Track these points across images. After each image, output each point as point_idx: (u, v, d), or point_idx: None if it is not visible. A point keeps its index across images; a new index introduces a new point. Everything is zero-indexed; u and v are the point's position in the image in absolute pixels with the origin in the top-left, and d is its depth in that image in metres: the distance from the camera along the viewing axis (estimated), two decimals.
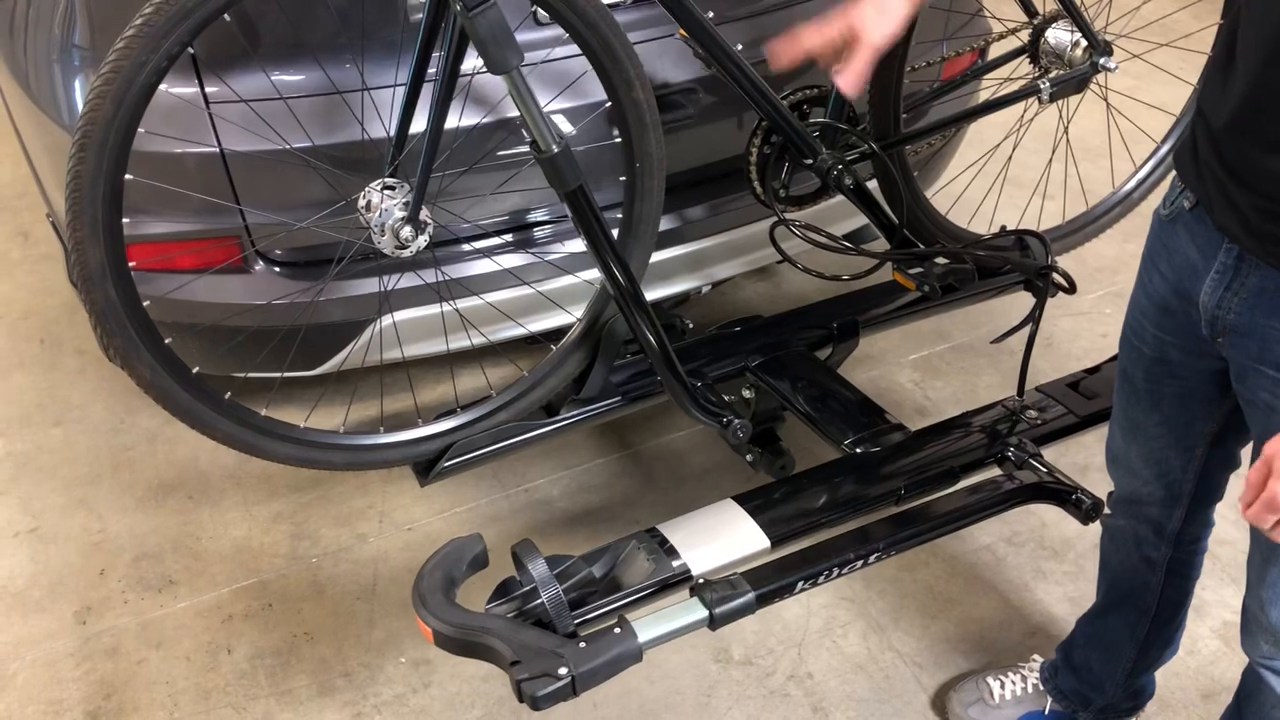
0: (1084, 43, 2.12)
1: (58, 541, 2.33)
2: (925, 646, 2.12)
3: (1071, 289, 2.00)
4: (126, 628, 2.16)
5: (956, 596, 2.21)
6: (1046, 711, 1.92)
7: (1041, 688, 1.94)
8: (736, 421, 1.93)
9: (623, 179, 1.83)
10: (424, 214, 1.69)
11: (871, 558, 1.58)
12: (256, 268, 1.94)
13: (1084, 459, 2.44)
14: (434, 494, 2.42)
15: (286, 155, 1.76)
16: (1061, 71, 2.17)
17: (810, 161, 1.97)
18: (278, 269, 1.95)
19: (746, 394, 2.09)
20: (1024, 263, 2.04)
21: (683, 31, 1.81)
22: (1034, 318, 1.94)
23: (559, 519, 2.39)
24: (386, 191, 1.67)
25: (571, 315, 1.99)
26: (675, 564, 1.57)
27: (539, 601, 1.45)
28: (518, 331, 2.09)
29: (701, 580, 1.51)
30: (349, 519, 2.39)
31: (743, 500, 1.70)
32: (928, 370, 2.77)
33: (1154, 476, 1.59)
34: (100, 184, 1.45)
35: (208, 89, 1.78)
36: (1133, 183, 2.50)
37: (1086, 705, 1.88)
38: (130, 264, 1.56)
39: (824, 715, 1.99)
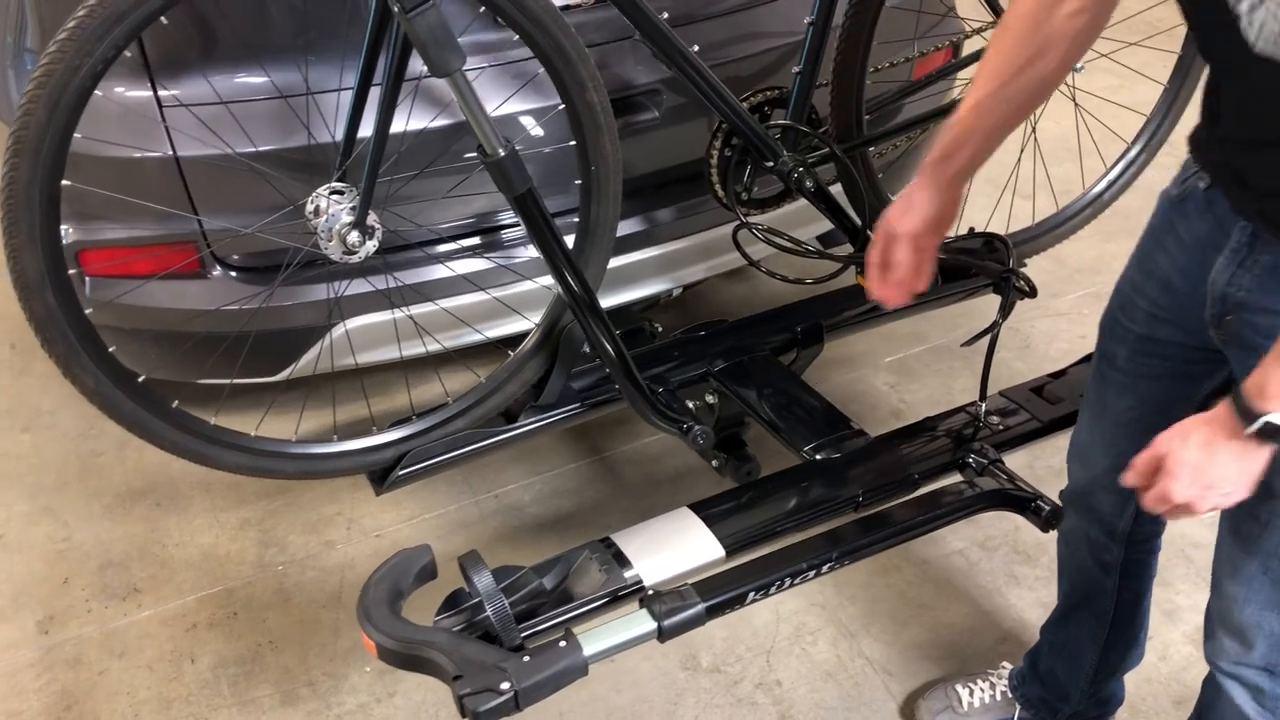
0: None
1: (22, 549, 2.31)
2: (895, 653, 2.09)
3: (1032, 293, 1.97)
4: (89, 637, 2.14)
5: (928, 602, 2.19)
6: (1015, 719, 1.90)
7: (1010, 695, 1.92)
8: (697, 428, 1.90)
9: (578, 182, 1.81)
10: (371, 219, 1.67)
11: (825, 567, 1.56)
12: (213, 273, 1.92)
13: (1059, 462, 2.41)
14: (403, 500, 2.40)
15: (235, 161, 1.74)
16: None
17: (771, 164, 1.95)
18: (234, 274, 1.93)
19: (710, 399, 2.06)
20: (986, 265, 2.02)
21: None
22: (996, 322, 1.91)
23: (529, 525, 2.37)
24: (334, 196, 1.65)
25: (530, 321, 1.96)
26: (627, 574, 1.54)
27: (485, 615, 1.43)
28: (475, 338, 2.07)
29: (652, 591, 1.49)
30: (317, 526, 2.37)
31: (699, 508, 1.68)
32: (903, 373, 2.74)
33: (1111, 467, 1.55)
34: (35, 190, 1.43)
35: (160, 93, 1.76)
36: (1103, 184, 2.47)
37: (1054, 714, 1.86)
38: (71, 271, 1.54)
39: None
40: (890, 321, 2.31)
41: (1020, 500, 1.72)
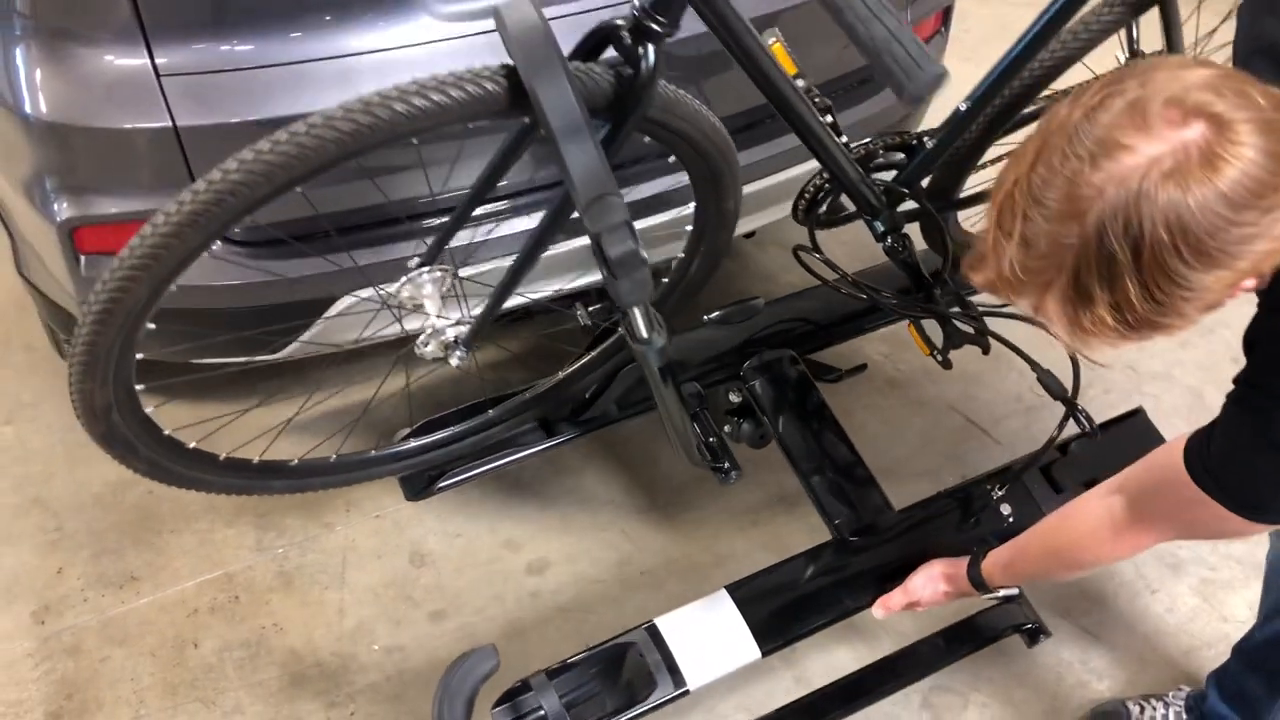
0: None
1: (11, 541, 2.25)
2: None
3: (1092, 432, 1.86)
4: (87, 626, 2.09)
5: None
6: None
7: (1185, 717, 1.89)
8: (734, 473, 1.95)
9: (680, 256, 1.85)
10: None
11: None
12: (215, 247, 1.88)
13: None
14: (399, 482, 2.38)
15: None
16: None
17: (868, 217, 1.83)
18: (238, 248, 1.89)
19: (734, 398, 2.06)
20: (1049, 379, 1.84)
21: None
22: (1051, 440, 1.87)
23: (531, 502, 2.35)
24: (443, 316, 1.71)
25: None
26: (674, 679, 1.71)
27: None
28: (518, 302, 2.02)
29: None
30: (314, 508, 2.33)
31: (735, 591, 1.81)
32: (896, 343, 2.75)
33: None
34: (115, 354, 1.48)
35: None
36: None
37: None
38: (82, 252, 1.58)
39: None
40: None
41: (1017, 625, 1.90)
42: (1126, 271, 0.98)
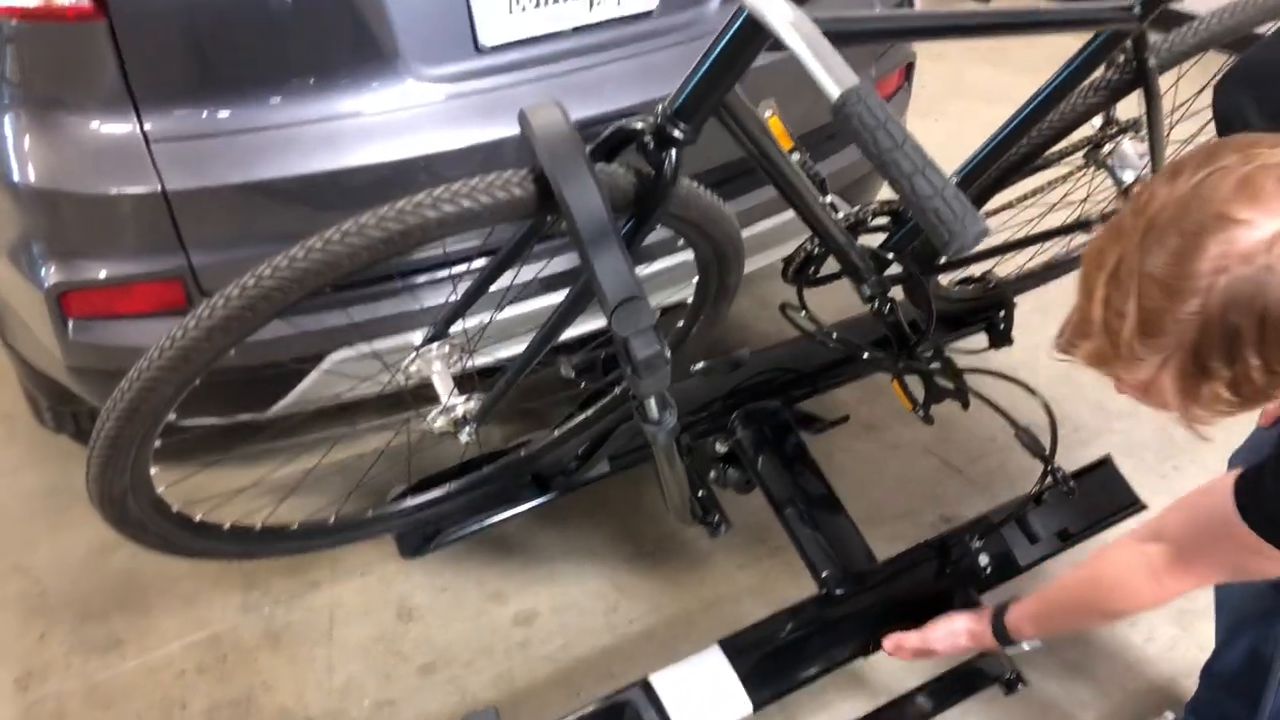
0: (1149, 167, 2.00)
1: None
2: None
3: (1070, 492, 1.93)
4: (72, 691, 2.07)
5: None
6: None
7: None
8: (724, 526, 2.00)
9: (679, 324, 1.92)
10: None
11: None
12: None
13: None
14: (384, 538, 2.38)
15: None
16: (1117, 206, 2.08)
17: (856, 282, 1.86)
18: None
19: (720, 448, 2.09)
20: (1026, 437, 1.92)
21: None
22: (1028, 496, 1.95)
23: (517, 554, 2.36)
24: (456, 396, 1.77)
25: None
26: None
27: None
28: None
29: None
30: (300, 567, 2.33)
31: (728, 647, 1.83)
32: (870, 387, 2.78)
33: None
34: (133, 447, 1.50)
35: None
36: None
37: None
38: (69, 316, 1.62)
39: None
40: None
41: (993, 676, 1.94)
42: (1249, 346, 0.99)
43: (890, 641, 1.83)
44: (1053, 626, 1.68)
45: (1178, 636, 2.15)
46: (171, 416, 1.50)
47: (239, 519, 1.87)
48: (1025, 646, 1.70)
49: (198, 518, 1.77)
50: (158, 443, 1.55)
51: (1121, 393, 1.14)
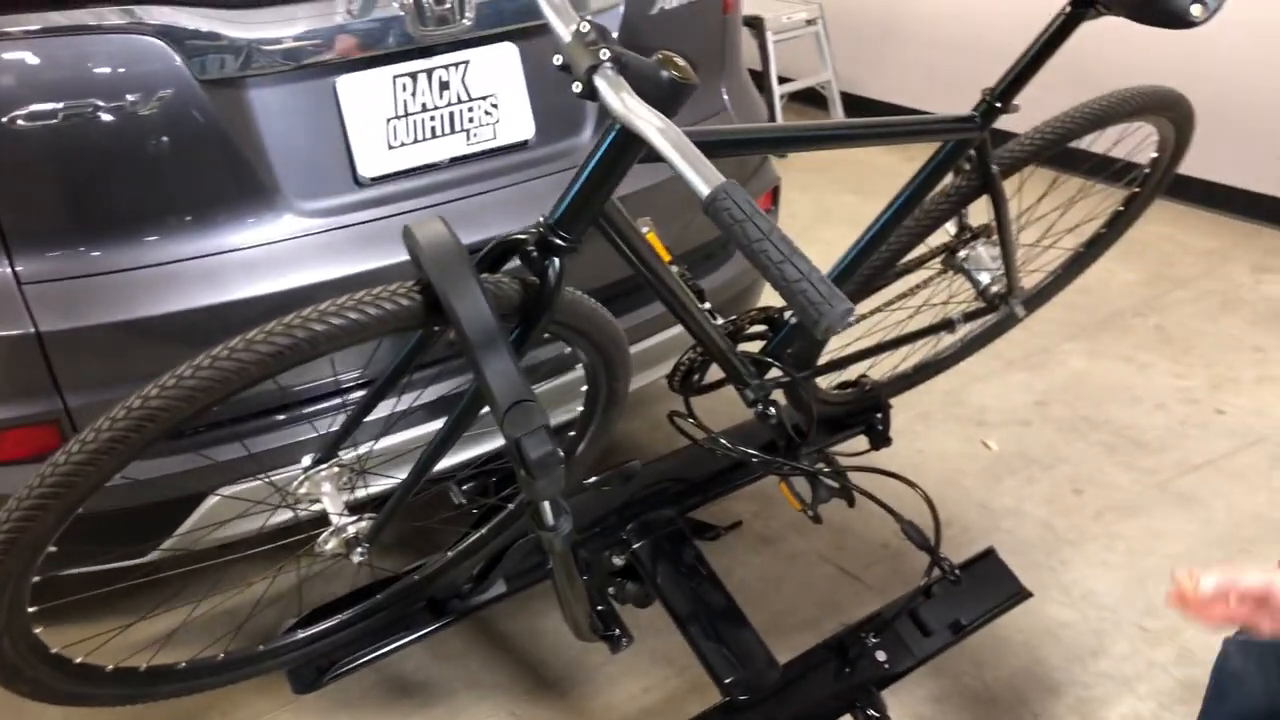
0: (1002, 279, 2.15)
1: None
2: None
3: (955, 580, 2.07)
4: None
5: None
6: None
7: None
8: (625, 640, 1.98)
9: (571, 434, 1.93)
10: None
11: None
12: None
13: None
14: (275, 684, 2.29)
15: None
16: (976, 306, 2.23)
17: (739, 387, 1.93)
18: None
19: (617, 561, 2.09)
20: (912, 530, 2.04)
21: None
22: (918, 589, 2.03)
23: (416, 694, 2.29)
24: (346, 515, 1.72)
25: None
26: None
27: None
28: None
29: None
30: (189, 712, 2.22)
31: None
32: (764, 500, 2.83)
33: None
34: (11, 585, 1.44)
35: None
36: None
37: None
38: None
39: None
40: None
41: None
42: None
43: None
44: None
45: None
46: (52, 549, 1.44)
47: (122, 661, 1.78)
48: None
49: (78, 660, 1.68)
50: (35, 578, 1.49)
51: None
